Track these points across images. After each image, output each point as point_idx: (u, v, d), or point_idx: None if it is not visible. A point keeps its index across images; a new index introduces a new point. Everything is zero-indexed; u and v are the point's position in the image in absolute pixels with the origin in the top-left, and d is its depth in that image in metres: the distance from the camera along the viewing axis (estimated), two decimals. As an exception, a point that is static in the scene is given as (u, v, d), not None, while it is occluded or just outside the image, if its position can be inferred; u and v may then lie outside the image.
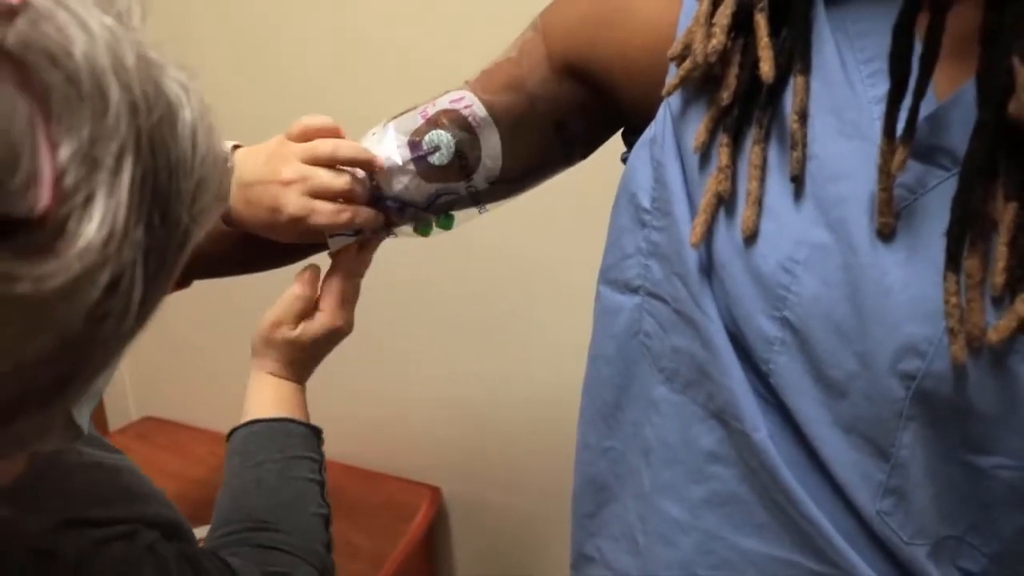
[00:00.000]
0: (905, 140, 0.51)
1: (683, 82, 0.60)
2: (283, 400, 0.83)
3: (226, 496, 0.78)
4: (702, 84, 0.60)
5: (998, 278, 0.50)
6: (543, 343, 1.49)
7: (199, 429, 1.89)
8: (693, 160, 0.61)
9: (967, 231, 0.51)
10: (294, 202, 0.72)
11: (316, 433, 0.84)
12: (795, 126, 0.56)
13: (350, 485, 1.64)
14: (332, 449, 1.66)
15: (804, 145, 0.56)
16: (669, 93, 0.61)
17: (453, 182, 0.75)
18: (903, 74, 0.51)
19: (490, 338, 1.53)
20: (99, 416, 1.97)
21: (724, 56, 0.58)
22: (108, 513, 0.61)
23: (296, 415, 0.83)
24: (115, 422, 1.98)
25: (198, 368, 1.89)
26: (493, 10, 1.33)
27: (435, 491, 1.64)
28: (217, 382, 1.87)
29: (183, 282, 0.87)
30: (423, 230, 0.81)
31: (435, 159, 0.74)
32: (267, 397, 0.82)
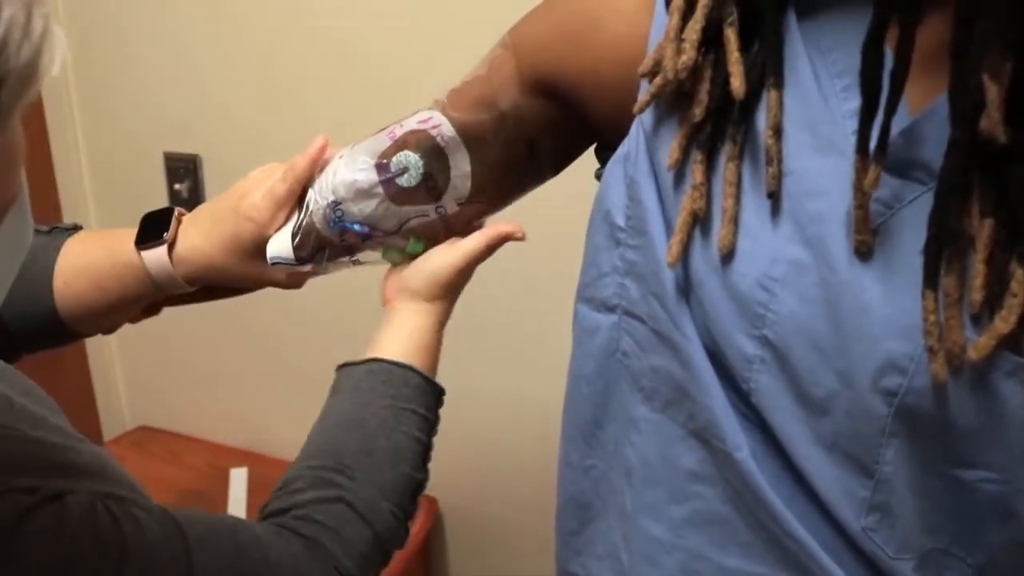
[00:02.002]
0: (878, 157, 0.51)
1: (654, 98, 0.59)
2: (417, 347, 0.76)
3: (320, 429, 0.73)
4: (674, 100, 0.59)
5: (976, 295, 0.50)
6: (540, 356, 1.48)
7: (194, 439, 1.88)
8: (667, 178, 0.60)
9: (944, 248, 0.50)
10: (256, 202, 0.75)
11: (437, 392, 0.77)
12: (770, 142, 0.55)
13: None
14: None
15: (780, 160, 0.55)
16: (641, 110, 0.60)
17: (423, 204, 0.74)
18: (874, 90, 0.50)
19: (486, 350, 1.52)
20: (94, 425, 1.97)
21: (695, 72, 0.57)
22: (40, 483, 0.55)
23: (424, 366, 0.76)
24: (110, 431, 1.97)
25: (193, 378, 1.88)
26: (476, 20, 1.32)
27: (431, 502, 1.63)
28: (212, 392, 1.88)
29: (152, 309, 0.86)
30: (390, 255, 0.80)
31: (403, 180, 0.73)
32: (400, 338, 0.76)
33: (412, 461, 0.73)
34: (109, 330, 0.83)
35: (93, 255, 0.77)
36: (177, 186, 1.65)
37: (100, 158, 1.74)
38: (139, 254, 0.75)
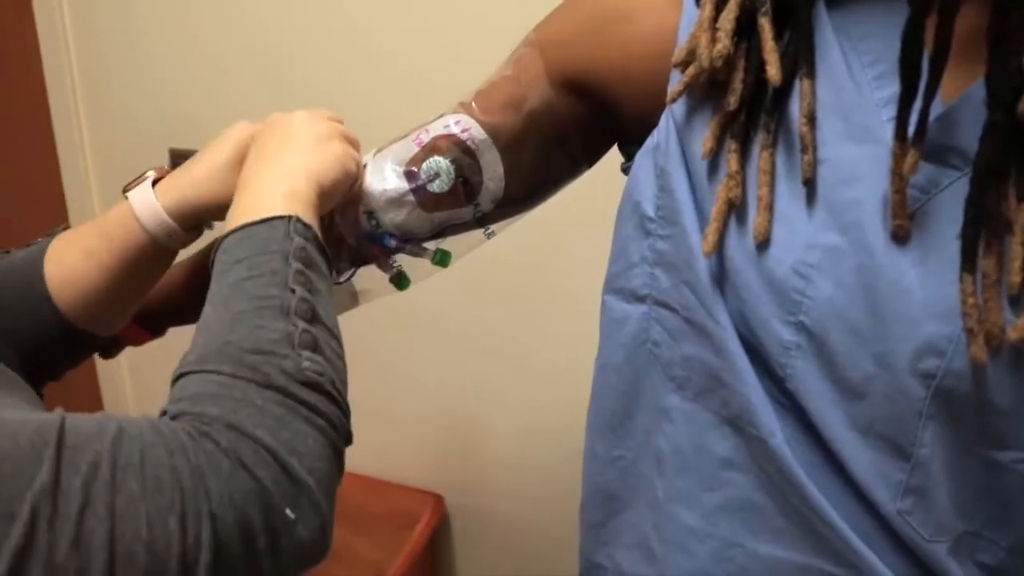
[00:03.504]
0: (916, 142, 0.51)
1: (688, 88, 0.59)
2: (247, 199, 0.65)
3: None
4: (707, 90, 0.60)
5: (1015, 277, 0.51)
6: (546, 352, 1.48)
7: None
8: (700, 167, 0.60)
9: (981, 232, 0.51)
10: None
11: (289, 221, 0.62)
12: (804, 129, 0.56)
13: (352, 493, 1.62)
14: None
15: (815, 148, 0.56)
16: (674, 100, 0.60)
17: (457, 208, 0.73)
18: (914, 77, 0.51)
19: (493, 347, 1.52)
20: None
21: (729, 61, 0.57)
22: None
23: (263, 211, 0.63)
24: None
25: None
26: (490, 11, 1.33)
27: (437, 499, 1.63)
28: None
29: (159, 330, 0.85)
30: (401, 284, 0.79)
31: (434, 187, 0.72)
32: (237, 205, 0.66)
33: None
34: (114, 325, 0.79)
35: (80, 229, 0.74)
36: (181, 182, 1.64)
37: (105, 154, 1.72)
38: (125, 197, 0.72)
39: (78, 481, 0.45)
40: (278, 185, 0.65)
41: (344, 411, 0.58)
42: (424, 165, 0.72)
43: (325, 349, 0.58)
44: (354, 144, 0.73)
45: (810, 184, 0.56)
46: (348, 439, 0.59)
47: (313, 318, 0.58)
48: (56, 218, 1.76)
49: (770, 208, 0.58)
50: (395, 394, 1.62)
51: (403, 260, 0.78)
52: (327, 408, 0.55)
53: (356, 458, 1.78)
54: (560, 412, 1.49)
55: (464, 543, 1.69)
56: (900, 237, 0.54)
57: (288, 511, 0.51)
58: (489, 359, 1.53)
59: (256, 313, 0.57)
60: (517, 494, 1.60)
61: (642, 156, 0.65)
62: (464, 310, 1.51)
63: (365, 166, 0.74)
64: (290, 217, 0.61)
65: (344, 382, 0.59)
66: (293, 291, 0.58)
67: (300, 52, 1.50)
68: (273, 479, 0.50)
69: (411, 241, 0.75)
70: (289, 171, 0.66)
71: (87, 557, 0.43)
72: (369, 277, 0.81)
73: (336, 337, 0.61)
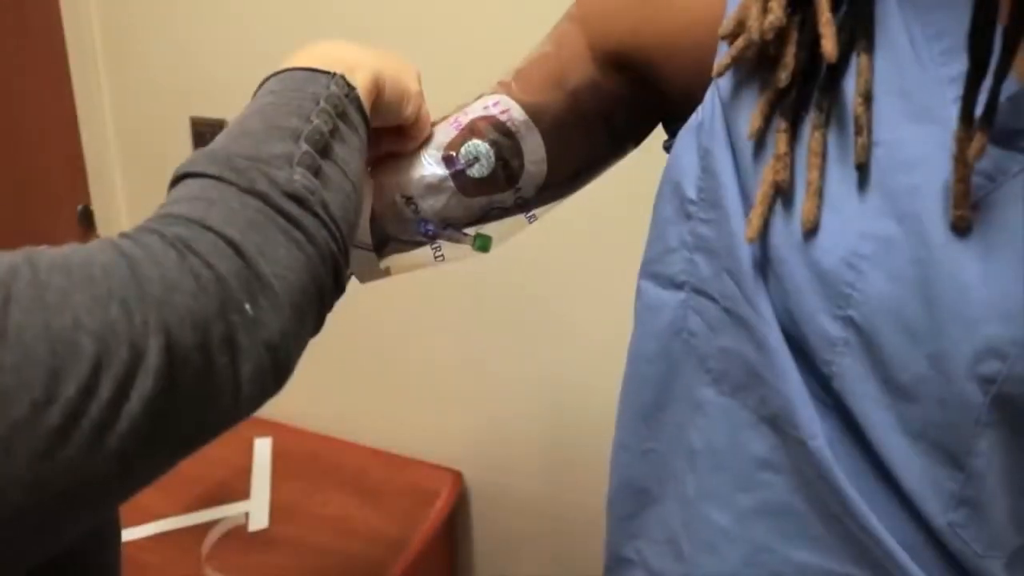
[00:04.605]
0: (984, 125, 0.47)
1: (735, 61, 0.55)
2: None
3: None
4: (755, 65, 0.56)
5: None
6: (568, 332, 1.46)
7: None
8: (746, 147, 0.56)
9: (1055, 225, 0.46)
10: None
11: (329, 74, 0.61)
12: (859, 109, 0.52)
13: (371, 468, 1.62)
14: (355, 432, 1.66)
15: (870, 130, 0.52)
16: (720, 73, 0.56)
17: (498, 193, 0.70)
18: (985, 53, 0.46)
19: (517, 328, 1.50)
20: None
21: (781, 33, 0.53)
22: None
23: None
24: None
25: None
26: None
27: (456, 475, 1.61)
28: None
29: None
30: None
31: (474, 172, 0.68)
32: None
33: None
34: None
35: None
36: (203, 151, 1.63)
37: (127, 123, 1.71)
38: None
39: None
40: (342, 55, 0.63)
41: (335, 238, 0.54)
42: (463, 149, 0.68)
43: (330, 178, 0.55)
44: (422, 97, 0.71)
45: (863, 169, 0.52)
46: (335, 272, 0.54)
47: (324, 151, 0.55)
48: (76, 184, 1.75)
49: (820, 193, 0.53)
50: (414, 369, 1.60)
51: (444, 245, 0.75)
52: (310, 225, 0.52)
53: (374, 433, 1.79)
54: (582, 392, 1.47)
55: (483, 520, 1.67)
56: (961, 229, 0.49)
57: (247, 305, 0.47)
58: (512, 339, 1.50)
59: (266, 131, 0.54)
60: (537, 472, 1.58)
61: (685, 134, 0.61)
62: (488, 291, 1.49)
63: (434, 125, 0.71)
64: (334, 73, 0.59)
65: (345, 220, 0.56)
66: (311, 122, 0.55)
67: (327, 19, 1.46)
68: (230, 270, 0.47)
69: (450, 227, 0.72)
70: (356, 54, 0.64)
71: (22, 350, 0.39)
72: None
73: (350, 179, 0.57)
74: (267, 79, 0.61)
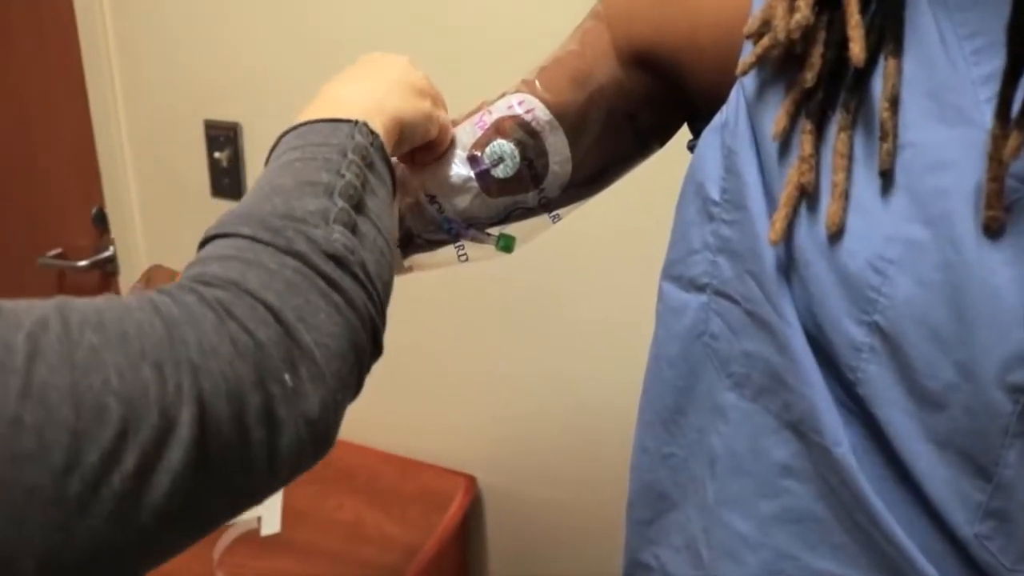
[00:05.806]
0: (1020, 124, 0.46)
1: (760, 60, 0.54)
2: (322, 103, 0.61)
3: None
4: (781, 64, 0.55)
5: None
6: (582, 335, 1.45)
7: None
8: (771, 148, 0.55)
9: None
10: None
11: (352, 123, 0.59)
12: (885, 115, 0.51)
13: (384, 473, 1.61)
14: (368, 436, 1.65)
15: (895, 135, 0.51)
16: (744, 72, 0.55)
17: (522, 193, 0.69)
18: (1022, 50, 0.45)
19: (533, 331, 1.49)
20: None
21: (808, 33, 0.52)
22: None
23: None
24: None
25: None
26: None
27: (470, 480, 1.60)
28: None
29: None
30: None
31: (499, 172, 0.68)
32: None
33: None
34: None
35: None
36: (217, 154, 1.63)
37: (140, 127, 1.72)
38: None
39: (20, 336, 0.38)
40: (358, 100, 0.60)
41: (373, 300, 0.51)
42: (487, 149, 0.68)
43: (365, 236, 0.52)
44: (440, 103, 0.69)
45: (889, 175, 0.51)
46: (374, 336, 0.52)
47: (358, 206, 0.53)
48: (90, 187, 1.75)
49: (846, 196, 0.52)
50: (428, 373, 1.60)
51: (467, 245, 0.75)
52: (350, 287, 0.49)
53: (388, 437, 1.77)
54: (596, 396, 1.46)
55: (497, 525, 1.66)
56: (993, 231, 0.48)
57: (286, 376, 0.44)
58: (528, 342, 1.49)
59: (298, 188, 0.52)
60: (552, 477, 1.57)
61: (709, 134, 0.60)
62: (500, 294, 1.48)
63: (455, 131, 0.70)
64: (357, 121, 0.57)
65: (381, 279, 0.53)
66: (343, 176, 0.53)
67: (338, 23, 1.46)
68: (270, 338, 0.44)
69: (474, 227, 0.72)
70: (369, 94, 0.62)
71: (45, 411, 0.37)
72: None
73: (383, 236, 0.55)
74: (284, 134, 0.59)
